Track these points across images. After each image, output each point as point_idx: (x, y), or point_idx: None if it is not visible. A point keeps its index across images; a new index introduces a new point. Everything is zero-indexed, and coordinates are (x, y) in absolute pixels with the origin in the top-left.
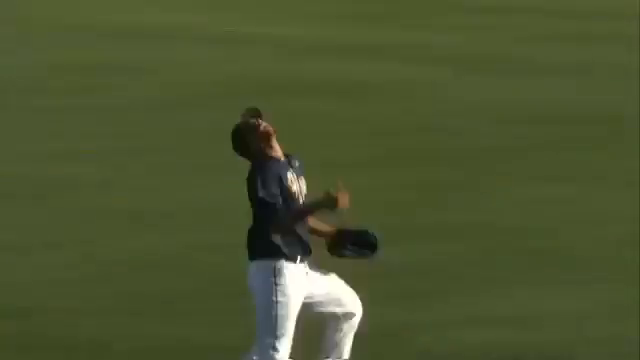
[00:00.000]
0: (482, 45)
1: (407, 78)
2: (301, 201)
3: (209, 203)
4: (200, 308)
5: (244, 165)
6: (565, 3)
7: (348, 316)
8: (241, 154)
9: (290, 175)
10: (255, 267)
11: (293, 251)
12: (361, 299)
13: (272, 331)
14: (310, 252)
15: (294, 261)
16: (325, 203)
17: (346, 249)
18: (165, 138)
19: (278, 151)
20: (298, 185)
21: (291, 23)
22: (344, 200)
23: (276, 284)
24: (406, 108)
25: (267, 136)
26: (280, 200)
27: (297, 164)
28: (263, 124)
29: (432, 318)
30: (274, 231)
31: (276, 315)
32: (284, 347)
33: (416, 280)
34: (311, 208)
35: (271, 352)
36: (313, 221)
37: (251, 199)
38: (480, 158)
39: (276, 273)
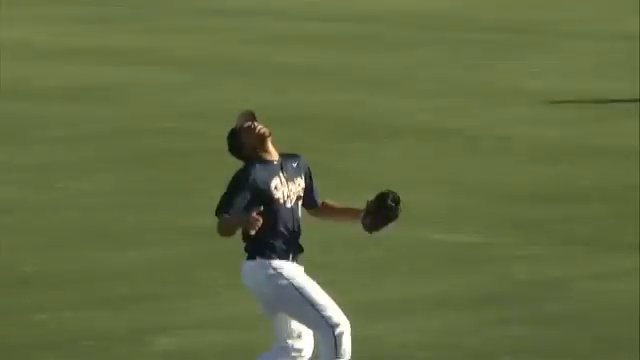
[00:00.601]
0: (212, 47)
1: (135, 81)
2: (289, 205)
3: None
4: None
5: None
6: (293, 6)
7: (298, 351)
8: (235, 156)
9: (277, 181)
10: (246, 268)
11: (284, 251)
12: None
13: (311, 308)
14: (301, 250)
15: (286, 260)
16: (239, 222)
17: (373, 221)
18: None
19: (272, 154)
20: (287, 188)
21: (20, 26)
22: (251, 224)
23: (279, 273)
24: (134, 111)
25: (262, 138)
26: (234, 210)
27: (294, 165)
28: (259, 126)
29: (155, 321)
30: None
31: (300, 294)
32: (333, 313)
33: (143, 284)
34: (233, 221)
35: (324, 324)
36: (341, 207)
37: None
38: (210, 160)
39: (268, 267)
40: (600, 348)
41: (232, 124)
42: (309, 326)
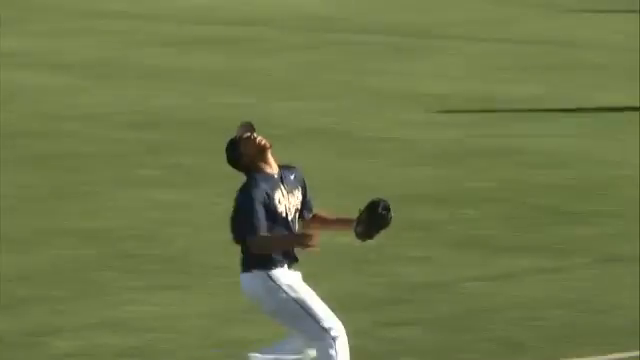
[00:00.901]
0: (105, 50)
1: (27, 84)
2: (289, 217)
3: None
4: None
5: None
6: (187, 10)
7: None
8: (234, 167)
9: (279, 194)
10: (245, 280)
11: (280, 261)
12: None
13: (312, 321)
14: (296, 260)
15: (282, 267)
16: (298, 241)
17: (365, 230)
18: None
19: (272, 166)
20: (288, 201)
21: None
22: (315, 241)
23: (278, 285)
24: (27, 113)
25: (263, 150)
26: (261, 225)
27: (292, 177)
28: (258, 138)
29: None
30: (250, 248)
31: (301, 307)
32: (333, 324)
33: (38, 286)
34: (282, 242)
35: (326, 336)
36: (333, 218)
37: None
38: (103, 163)
39: (267, 279)
40: (492, 349)
41: (127, 127)
42: (308, 338)
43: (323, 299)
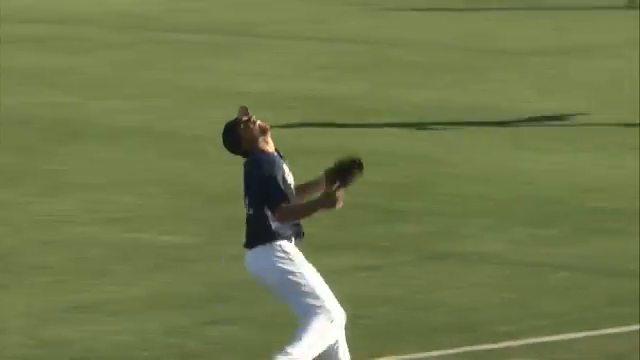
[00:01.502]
0: None
1: None
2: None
3: None
4: None
5: None
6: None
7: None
8: (232, 151)
9: (287, 169)
10: (254, 254)
11: (287, 234)
12: None
13: (313, 297)
14: (303, 235)
15: (290, 241)
16: (325, 203)
17: (339, 184)
18: None
19: (272, 146)
20: (291, 179)
21: None
22: (342, 199)
23: (286, 258)
24: None
25: (264, 131)
26: (289, 194)
27: (283, 157)
28: (258, 121)
29: None
30: (281, 217)
31: (305, 281)
32: (336, 307)
33: None
34: (310, 209)
35: (326, 312)
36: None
37: (256, 189)
38: None
39: (279, 250)
40: None
41: None
42: (304, 312)
43: (153, 297)
